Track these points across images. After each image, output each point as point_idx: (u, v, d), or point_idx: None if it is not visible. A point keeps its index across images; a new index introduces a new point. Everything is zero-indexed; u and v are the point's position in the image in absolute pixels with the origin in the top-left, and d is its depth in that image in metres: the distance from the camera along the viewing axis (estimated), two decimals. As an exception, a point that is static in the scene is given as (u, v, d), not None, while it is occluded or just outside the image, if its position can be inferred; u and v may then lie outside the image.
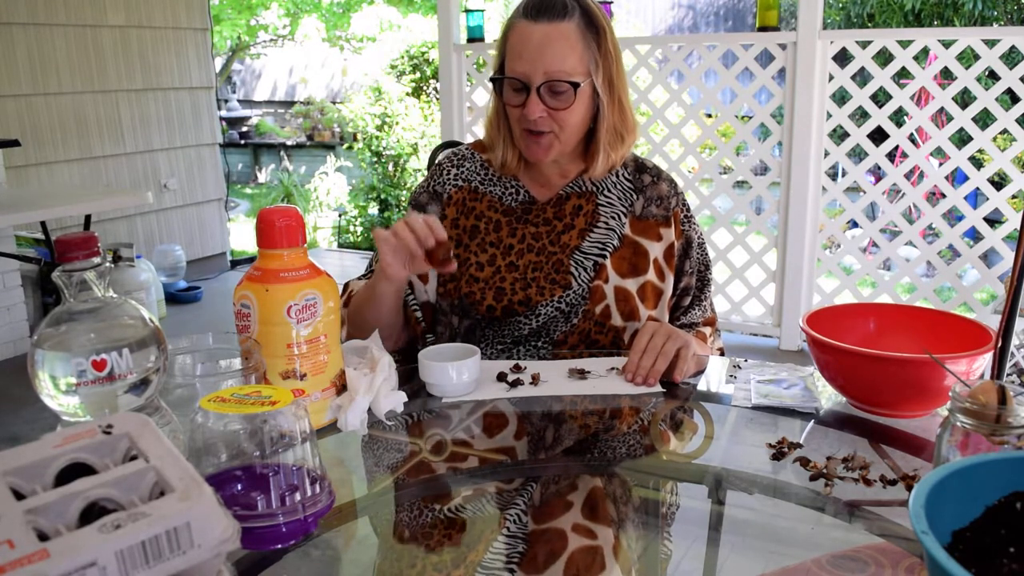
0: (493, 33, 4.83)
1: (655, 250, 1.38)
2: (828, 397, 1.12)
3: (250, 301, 0.98)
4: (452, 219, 1.38)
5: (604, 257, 1.35)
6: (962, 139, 3.32)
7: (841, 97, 3.34)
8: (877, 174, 3.89)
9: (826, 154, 3.32)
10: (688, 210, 1.43)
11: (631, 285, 1.35)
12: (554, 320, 1.34)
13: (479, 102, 4.01)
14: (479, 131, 3.92)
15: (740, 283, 3.59)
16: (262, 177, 9.60)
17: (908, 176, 3.68)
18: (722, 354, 1.48)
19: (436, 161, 1.44)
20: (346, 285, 1.40)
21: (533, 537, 0.81)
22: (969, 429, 0.74)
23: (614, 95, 1.30)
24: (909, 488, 0.86)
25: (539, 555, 0.78)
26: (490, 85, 1.34)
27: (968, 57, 3.48)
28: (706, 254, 1.46)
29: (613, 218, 1.37)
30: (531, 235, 1.36)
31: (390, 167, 6.52)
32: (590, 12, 1.27)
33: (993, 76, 3.20)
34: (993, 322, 0.96)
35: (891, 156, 3.67)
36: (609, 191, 1.38)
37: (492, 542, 0.80)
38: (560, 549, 0.78)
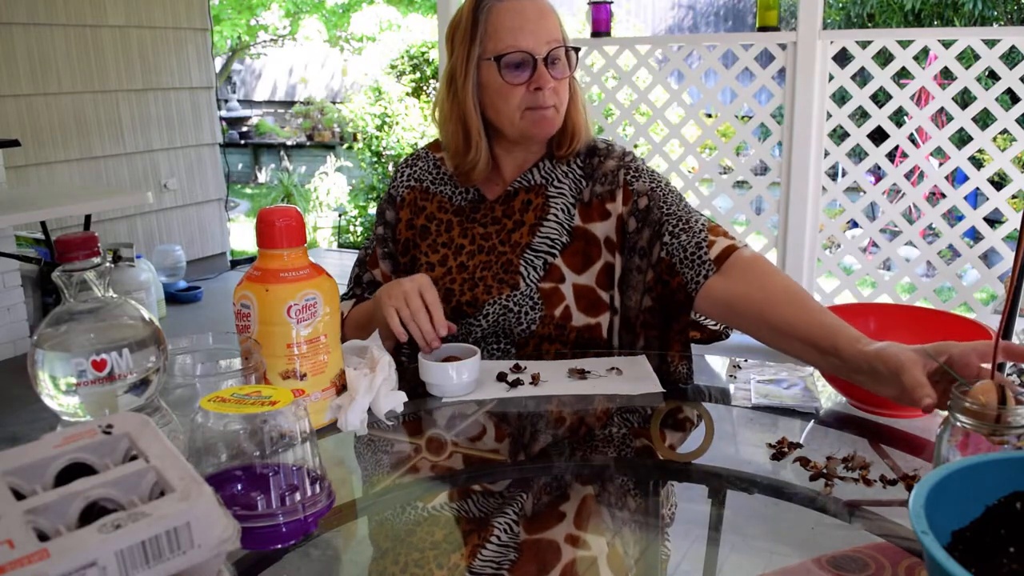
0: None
1: (603, 230, 1.32)
2: (828, 397, 1.12)
3: (250, 301, 0.98)
4: (406, 220, 1.40)
5: (553, 255, 1.32)
6: (962, 139, 3.31)
7: (841, 97, 3.33)
8: (877, 174, 3.89)
9: (826, 154, 3.32)
10: (636, 170, 1.33)
11: (588, 279, 1.32)
12: (504, 319, 1.31)
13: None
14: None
15: (740, 283, 3.58)
16: (262, 177, 9.60)
17: (908, 176, 3.68)
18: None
19: (396, 165, 1.46)
20: None
21: (526, 547, 0.81)
22: (969, 429, 0.74)
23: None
24: (909, 488, 0.86)
25: (534, 566, 0.78)
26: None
27: (968, 57, 3.47)
28: (671, 189, 1.33)
29: (562, 211, 1.33)
30: (480, 236, 1.35)
31: (390, 167, 6.53)
32: None
33: (993, 76, 3.19)
34: (993, 322, 0.96)
35: (891, 156, 3.67)
36: (559, 182, 1.35)
37: (488, 540, 0.80)
38: (554, 562, 0.78)
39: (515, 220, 1.35)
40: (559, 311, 1.31)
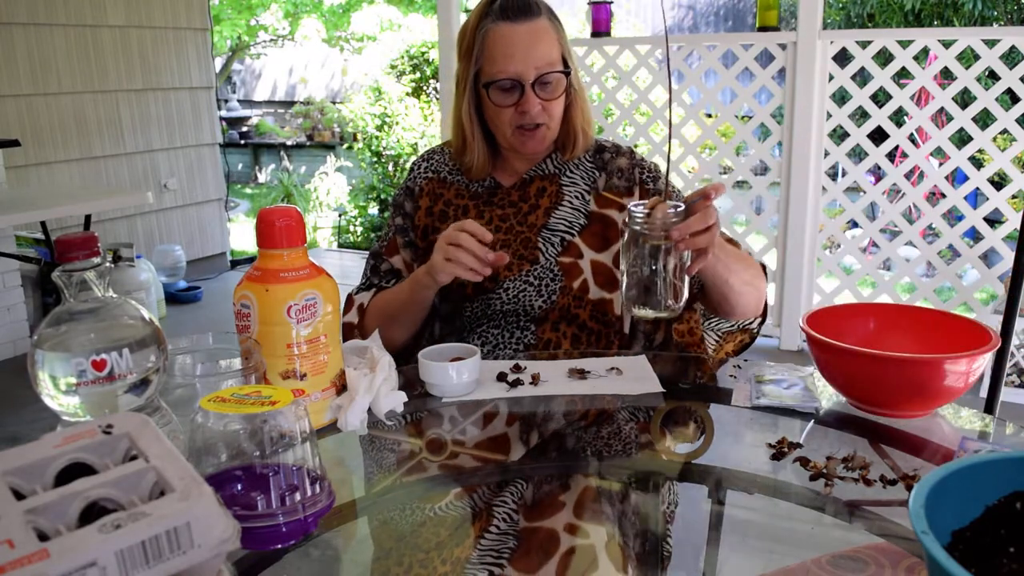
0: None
1: (620, 218, 1.38)
2: (828, 397, 1.12)
3: (250, 301, 0.98)
4: (425, 208, 1.44)
5: (572, 235, 1.38)
6: (962, 139, 3.32)
7: (841, 97, 3.33)
8: (877, 174, 3.89)
9: (826, 154, 3.32)
10: (650, 170, 1.43)
11: (606, 257, 1.38)
12: (525, 294, 1.36)
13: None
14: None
15: (740, 283, 3.58)
16: (262, 177, 9.60)
17: (908, 176, 3.68)
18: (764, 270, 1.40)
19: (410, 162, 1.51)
20: (349, 297, 1.41)
21: (525, 534, 0.81)
22: (636, 230, 1.03)
23: (579, 81, 1.40)
24: (909, 488, 0.86)
25: (533, 553, 0.78)
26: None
27: (968, 57, 3.47)
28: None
29: (577, 197, 1.40)
30: (498, 217, 1.40)
31: (390, 167, 6.52)
32: (550, 7, 1.35)
33: (993, 76, 3.19)
34: (993, 322, 0.96)
35: (891, 156, 3.67)
36: (572, 172, 1.42)
37: (482, 540, 0.80)
38: (553, 550, 0.78)
39: (531, 204, 1.40)
40: (578, 283, 1.36)
